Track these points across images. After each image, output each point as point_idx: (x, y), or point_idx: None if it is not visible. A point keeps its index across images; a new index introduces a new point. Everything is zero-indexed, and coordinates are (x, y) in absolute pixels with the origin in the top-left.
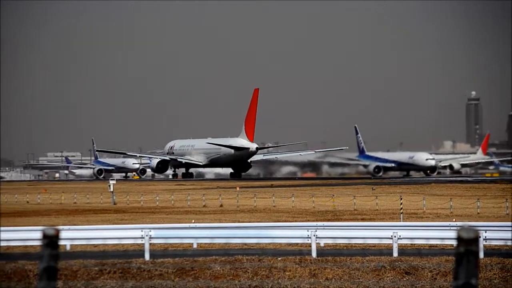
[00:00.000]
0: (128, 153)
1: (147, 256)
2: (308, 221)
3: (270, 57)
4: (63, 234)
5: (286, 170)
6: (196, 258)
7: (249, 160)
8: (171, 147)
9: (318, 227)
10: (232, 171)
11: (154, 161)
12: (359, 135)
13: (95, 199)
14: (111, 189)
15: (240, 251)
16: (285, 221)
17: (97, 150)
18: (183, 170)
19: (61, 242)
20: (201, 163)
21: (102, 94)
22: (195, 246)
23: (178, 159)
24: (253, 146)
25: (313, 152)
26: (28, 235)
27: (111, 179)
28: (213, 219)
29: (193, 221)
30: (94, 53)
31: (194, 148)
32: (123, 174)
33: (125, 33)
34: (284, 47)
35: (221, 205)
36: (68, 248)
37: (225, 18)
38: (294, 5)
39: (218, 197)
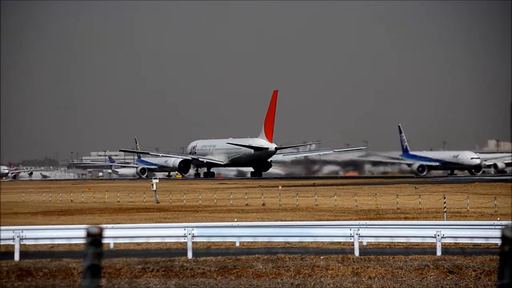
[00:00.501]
0: (151, 153)
1: (189, 255)
2: (351, 219)
3: (281, 58)
4: (106, 233)
5: (328, 169)
6: (238, 257)
7: (269, 160)
8: (194, 147)
9: (361, 226)
10: (252, 170)
11: (176, 161)
12: (402, 134)
13: (138, 198)
14: (154, 188)
15: (283, 250)
16: (328, 219)
17: (120, 150)
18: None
19: (105, 241)
20: (222, 163)
21: (125, 94)
22: (237, 244)
23: (200, 159)
24: (272, 146)
25: (332, 151)
26: (72, 234)
27: (154, 178)
28: (256, 218)
29: (235, 219)
30: (105, 53)
31: (216, 148)
32: (166, 173)
33: (136, 33)
34: (296, 47)
35: (263, 204)
36: (111, 246)
37: (234, 18)
38: (303, 5)
39: (261, 196)
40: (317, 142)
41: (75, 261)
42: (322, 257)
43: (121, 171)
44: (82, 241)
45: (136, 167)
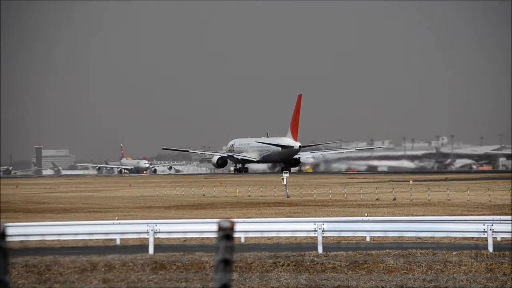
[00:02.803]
0: (191, 151)
1: (320, 249)
2: (484, 215)
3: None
4: (238, 227)
5: (460, 163)
6: (369, 252)
7: (296, 157)
8: (232, 145)
9: (495, 221)
10: (283, 166)
11: (215, 158)
12: None
13: (269, 192)
14: (285, 182)
15: (414, 245)
16: (460, 214)
17: (163, 148)
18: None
19: (236, 235)
20: (255, 159)
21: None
22: (368, 239)
23: (235, 156)
24: (296, 144)
25: (353, 149)
26: (204, 227)
27: (285, 173)
28: (386, 213)
29: (366, 214)
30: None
31: (250, 146)
32: (298, 168)
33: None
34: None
35: (394, 199)
36: (242, 240)
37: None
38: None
39: (391, 191)
40: (319, 144)
41: (207, 254)
42: (454, 253)
43: (253, 165)
44: (214, 235)
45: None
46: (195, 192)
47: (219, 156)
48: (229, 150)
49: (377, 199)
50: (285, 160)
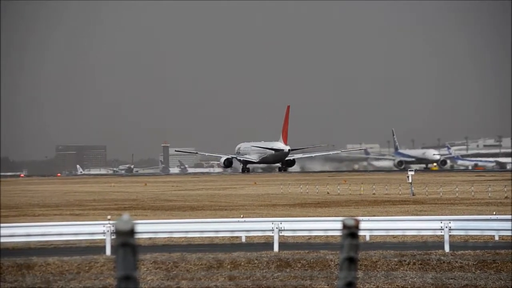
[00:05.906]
0: (200, 153)
1: (446, 248)
2: None
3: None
4: (362, 225)
5: None
6: (498, 251)
7: (292, 158)
8: (239, 148)
9: None
10: (279, 166)
11: (222, 159)
12: None
13: (394, 190)
14: (410, 180)
15: None
16: None
17: (176, 150)
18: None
19: (361, 233)
20: (255, 161)
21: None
22: (496, 238)
23: (238, 157)
24: (286, 148)
25: (340, 151)
26: (329, 226)
27: (410, 170)
28: None
29: (494, 212)
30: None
31: (252, 149)
32: (423, 165)
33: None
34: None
35: None
36: (367, 238)
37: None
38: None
39: None
40: (304, 148)
41: (332, 252)
42: None
43: (377, 163)
44: (338, 233)
45: (393, 160)
46: (319, 190)
47: (225, 158)
48: (236, 153)
49: (506, 197)
50: (279, 161)
